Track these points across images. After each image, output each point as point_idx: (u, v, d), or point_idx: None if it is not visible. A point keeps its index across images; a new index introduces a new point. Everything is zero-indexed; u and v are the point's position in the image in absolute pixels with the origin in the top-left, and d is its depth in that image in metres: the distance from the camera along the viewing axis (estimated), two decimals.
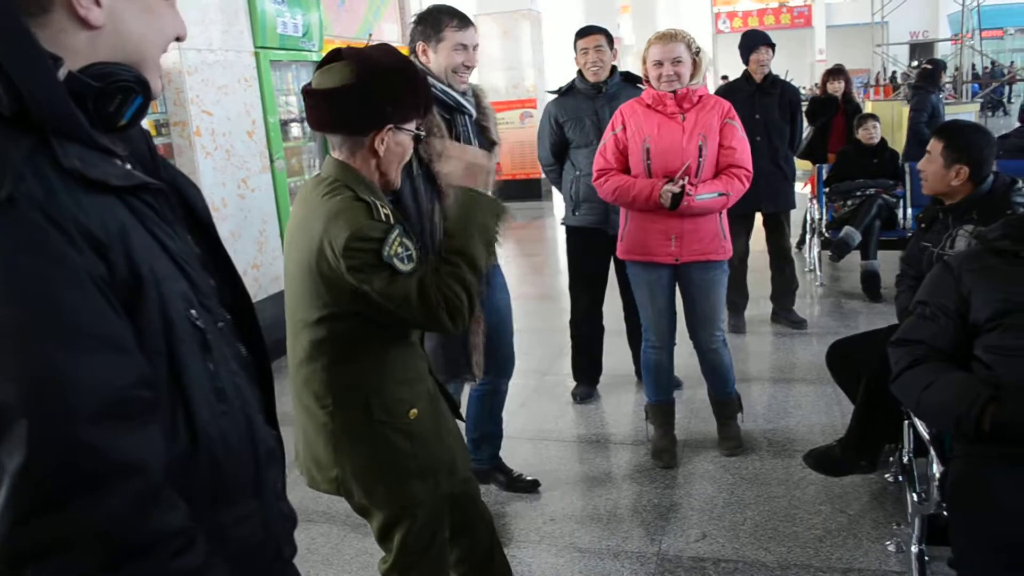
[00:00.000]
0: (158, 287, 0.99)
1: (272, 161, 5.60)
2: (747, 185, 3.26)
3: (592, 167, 3.40)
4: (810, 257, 6.42)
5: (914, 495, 2.46)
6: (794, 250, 6.94)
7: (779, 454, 3.49)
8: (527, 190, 11.59)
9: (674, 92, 3.18)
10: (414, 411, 1.78)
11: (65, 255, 0.89)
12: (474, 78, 2.82)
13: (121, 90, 1.00)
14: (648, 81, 3.26)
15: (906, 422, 2.63)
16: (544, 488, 3.32)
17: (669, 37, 3.21)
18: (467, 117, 2.75)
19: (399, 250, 1.62)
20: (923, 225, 3.10)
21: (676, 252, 3.24)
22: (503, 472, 3.32)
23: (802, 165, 7.35)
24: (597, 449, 3.72)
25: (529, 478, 3.33)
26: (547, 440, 3.83)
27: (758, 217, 5.14)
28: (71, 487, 0.88)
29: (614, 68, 3.94)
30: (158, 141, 5.15)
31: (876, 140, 5.97)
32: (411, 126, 1.74)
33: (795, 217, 7.47)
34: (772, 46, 4.91)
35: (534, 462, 3.54)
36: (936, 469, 2.22)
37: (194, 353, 1.05)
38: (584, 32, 3.96)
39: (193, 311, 1.06)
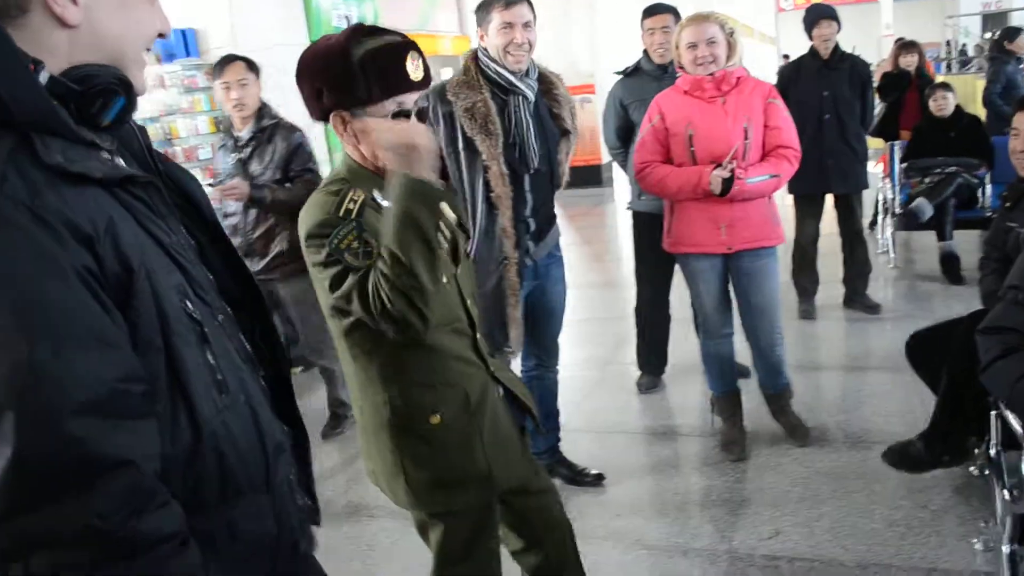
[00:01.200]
0: (150, 279, 0.98)
1: (331, 155, 5.61)
2: (796, 165, 3.16)
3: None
4: (883, 238, 6.17)
5: (1004, 492, 2.31)
6: (866, 231, 6.72)
7: (855, 446, 3.34)
8: (588, 176, 11.43)
9: (711, 75, 3.06)
10: (436, 417, 1.69)
11: (50, 251, 0.89)
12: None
13: (102, 93, 0.99)
14: (682, 67, 3.14)
15: (994, 413, 2.48)
16: (609, 482, 3.24)
17: (702, 18, 3.10)
18: (522, 99, 2.70)
19: (353, 244, 1.52)
20: (1007, 204, 2.92)
21: (727, 241, 3.12)
22: (565, 466, 3.24)
23: (874, 143, 7.09)
24: (663, 441, 3.62)
25: (594, 472, 3.25)
26: (611, 432, 3.75)
27: (828, 199, 4.95)
28: (59, 483, 0.88)
29: None
30: (217, 138, 5.20)
31: (948, 111, 5.68)
32: (375, 111, 1.58)
33: (867, 197, 7.24)
34: (836, 19, 4.70)
35: (598, 455, 3.45)
36: None
37: (192, 346, 1.03)
38: (651, 11, 3.84)
39: (189, 303, 1.05)
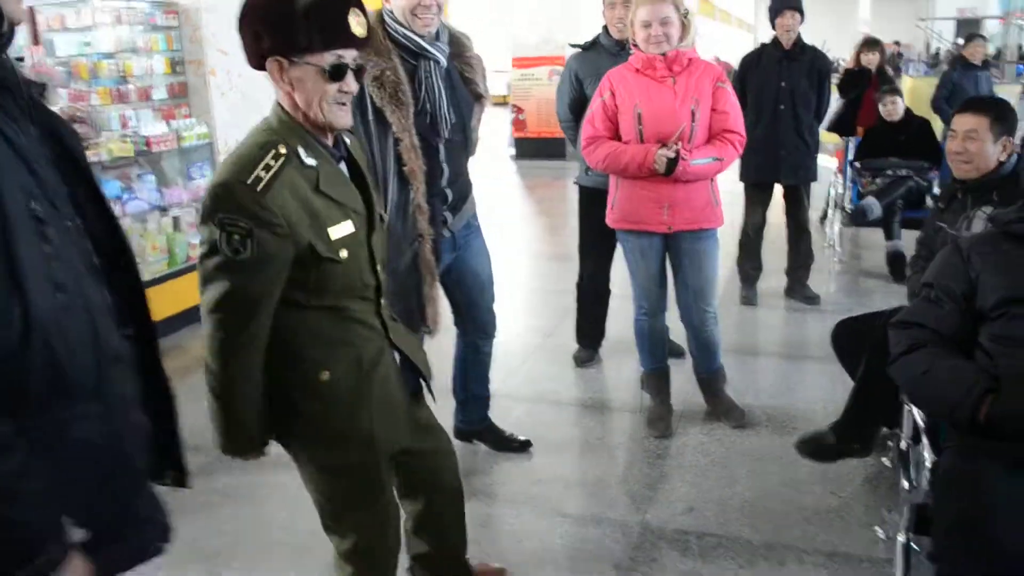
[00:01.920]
0: None
1: None
2: (740, 150, 3.20)
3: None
4: (831, 232, 6.27)
5: (904, 482, 2.40)
6: (815, 224, 6.82)
7: (777, 430, 3.42)
8: (553, 148, 11.42)
9: (663, 55, 3.08)
10: (325, 374, 1.71)
11: None
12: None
13: None
14: (636, 44, 3.16)
15: (906, 407, 2.56)
16: (535, 450, 3.29)
17: None
18: (433, 63, 2.59)
19: (235, 236, 1.52)
20: (940, 205, 2.99)
21: (668, 220, 3.16)
22: (493, 432, 3.28)
23: (829, 138, 7.17)
24: (593, 414, 3.67)
25: (521, 439, 3.30)
26: (543, 402, 3.79)
27: (778, 188, 5.02)
28: None
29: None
30: (172, 79, 5.11)
31: (898, 116, 5.78)
32: (313, 60, 1.59)
33: (819, 191, 7.33)
34: (800, 11, 4.71)
35: (527, 424, 3.49)
36: (928, 457, 2.15)
37: (32, 244, 1.06)
38: None
39: (34, 202, 1.08)
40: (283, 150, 1.59)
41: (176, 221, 5.00)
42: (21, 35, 4.91)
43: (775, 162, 4.76)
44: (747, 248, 5.11)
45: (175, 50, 5.08)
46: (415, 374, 1.94)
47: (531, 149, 11.85)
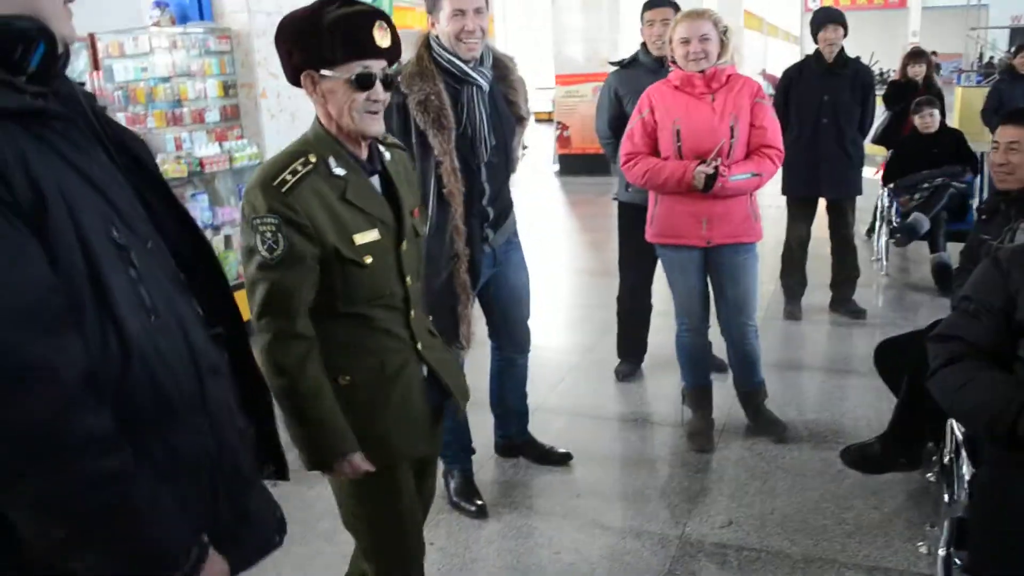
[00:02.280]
0: (68, 207, 1.04)
1: None
2: (778, 165, 3.21)
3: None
4: (878, 246, 6.21)
5: (945, 496, 2.38)
6: (863, 237, 6.75)
7: (819, 445, 3.41)
8: (597, 165, 11.45)
9: (702, 72, 3.11)
10: (346, 378, 1.79)
11: None
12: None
13: (20, 39, 1.04)
14: (675, 61, 3.20)
15: (949, 421, 2.54)
16: (575, 463, 3.32)
17: (696, 15, 3.15)
18: (476, 89, 2.65)
19: (267, 234, 1.64)
20: (983, 217, 2.97)
21: (707, 235, 3.19)
22: (533, 446, 3.33)
23: (878, 151, 7.10)
24: (633, 428, 3.69)
25: (561, 451, 3.34)
26: (584, 416, 3.82)
27: (821, 203, 4.99)
28: None
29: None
30: (225, 102, 5.28)
31: (933, 128, 5.73)
32: (339, 72, 1.67)
33: (866, 204, 7.24)
34: (843, 24, 4.69)
35: (568, 438, 3.53)
36: (967, 471, 2.14)
37: (118, 271, 1.09)
38: (652, 3, 3.87)
39: (115, 231, 1.10)
40: (312, 159, 1.69)
41: (228, 240, 5.16)
42: (82, 61, 5.14)
43: (817, 176, 4.73)
44: (791, 263, 5.08)
45: (228, 74, 5.24)
46: (440, 390, 1.97)
47: (575, 165, 11.90)
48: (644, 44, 3.88)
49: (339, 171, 1.72)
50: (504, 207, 2.89)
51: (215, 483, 1.20)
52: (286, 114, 5.34)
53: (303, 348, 1.70)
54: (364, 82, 1.68)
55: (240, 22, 5.20)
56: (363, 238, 1.73)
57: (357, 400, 1.80)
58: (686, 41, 3.12)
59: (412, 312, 1.87)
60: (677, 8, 3.81)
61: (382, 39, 1.68)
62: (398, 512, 1.94)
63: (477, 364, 3.10)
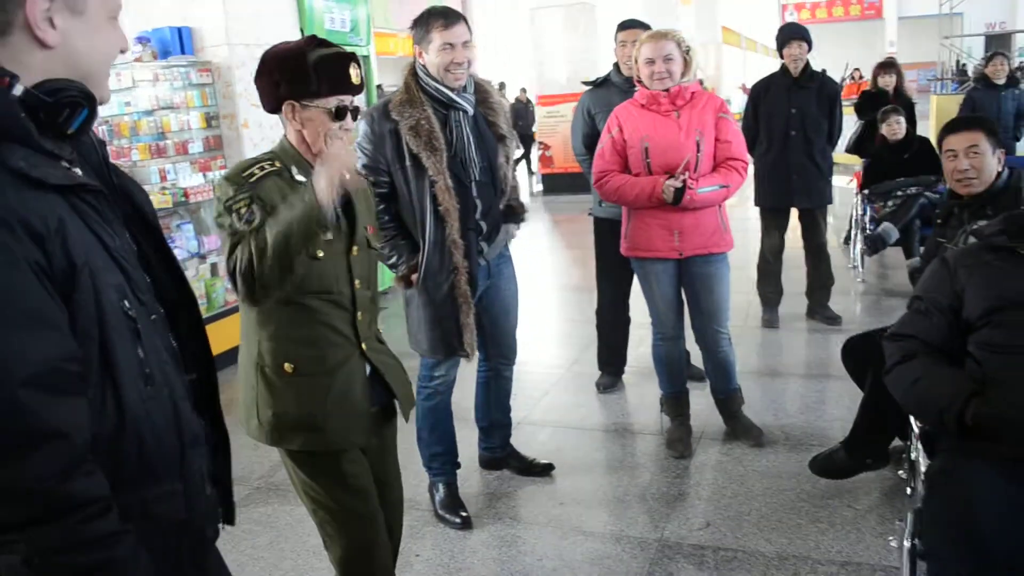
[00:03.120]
0: (92, 277, 1.12)
1: None
2: (744, 176, 3.32)
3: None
4: (854, 253, 6.33)
5: (908, 489, 2.47)
6: (840, 245, 6.87)
7: (795, 448, 3.50)
8: (580, 183, 11.57)
9: (667, 91, 3.23)
10: (290, 366, 1.97)
11: (4, 243, 1.02)
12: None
13: (70, 104, 1.13)
14: (640, 81, 3.31)
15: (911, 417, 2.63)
16: (557, 474, 3.40)
17: (660, 36, 3.27)
18: (462, 113, 2.82)
19: (242, 210, 1.84)
20: (939, 221, 3.08)
21: (679, 247, 3.29)
22: (516, 458, 3.41)
23: (848, 160, 7.24)
24: (614, 438, 3.78)
25: (543, 462, 3.42)
26: (567, 428, 3.91)
27: (793, 212, 5.11)
28: (4, 446, 1.01)
29: None
30: (207, 133, 5.37)
31: (900, 135, 5.88)
32: (321, 104, 1.91)
33: (843, 212, 7.37)
34: (807, 40, 4.84)
35: (551, 449, 3.62)
36: (924, 463, 2.23)
37: (125, 340, 1.17)
38: (625, 25, 4.01)
39: (127, 302, 1.18)
40: (277, 164, 1.95)
41: (214, 267, 5.24)
42: None
43: (788, 186, 4.87)
44: (766, 272, 5.20)
45: (210, 105, 5.34)
46: (386, 391, 2.14)
47: (558, 184, 12.05)
48: (616, 64, 4.00)
49: (300, 178, 1.93)
50: (495, 221, 3.02)
51: (181, 545, 1.28)
52: (267, 143, 5.40)
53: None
54: (341, 113, 1.95)
55: (220, 55, 5.31)
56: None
57: (297, 390, 1.98)
58: (651, 61, 3.24)
59: (359, 314, 2.04)
60: (648, 28, 3.93)
61: (355, 78, 1.96)
62: (347, 500, 2.07)
63: (463, 380, 3.19)
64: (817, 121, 4.84)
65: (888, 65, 6.80)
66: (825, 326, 5.08)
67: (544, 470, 3.39)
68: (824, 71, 5.06)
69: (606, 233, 4.02)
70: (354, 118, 1.99)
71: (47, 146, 1.12)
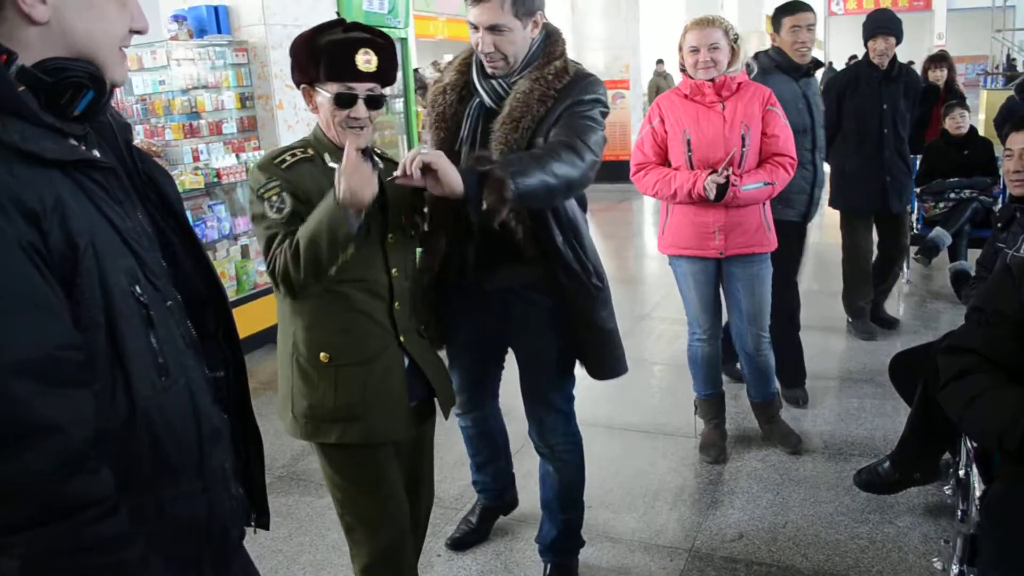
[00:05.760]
0: (97, 259, 1.04)
1: None
2: (791, 174, 3.16)
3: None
4: None
5: (959, 512, 2.34)
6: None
7: (834, 457, 3.36)
8: (615, 172, 11.43)
9: (712, 80, 3.09)
10: (325, 355, 1.91)
11: None
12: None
13: (71, 86, 1.06)
14: (684, 69, 3.18)
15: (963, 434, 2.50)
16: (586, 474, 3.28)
17: (706, 23, 3.12)
18: (477, 103, 2.26)
19: (273, 197, 1.82)
20: (999, 225, 2.92)
21: (720, 245, 3.16)
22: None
23: None
24: (645, 439, 3.67)
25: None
26: (598, 426, 3.79)
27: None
28: None
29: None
30: (242, 114, 5.32)
31: (965, 130, 5.63)
32: (326, 89, 1.84)
33: None
34: (894, 34, 4.45)
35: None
36: (979, 486, 2.10)
37: (136, 328, 1.08)
38: (792, 8, 3.73)
39: (137, 287, 1.09)
40: (309, 151, 1.91)
41: (245, 249, 5.20)
42: None
43: (883, 189, 4.50)
44: (858, 282, 4.77)
45: (244, 86, 5.29)
46: (425, 386, 2.06)
47: (598, 172, 11.87)
48: (779, 49, 3.73)
49: (333, 164, 1.86)
50: None
51: (201, 548, 1.19)
52: (302, 125, 5.37)
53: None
54: (342, 101, 1.85)
55: (257, 35, 5.24)
56: None
57: (333, 380, 1.92)
58: (695, 50, 3.11)
59: (396, 304, 1.96)
60: (812, 10, 3.68)
61: (365, 64, 1.84)
62: (376, 501, 2.01)
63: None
64: (905, 117, 4.55)
65: (939, 58, 6.54)
66: (880, 329, 4.86)
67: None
68: (911, 63, 4.78)
69: (784, 236, 3.60)
70: (374, 106, 1.88)
71: (48, 120, 1.04)
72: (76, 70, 1.06)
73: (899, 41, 4.51)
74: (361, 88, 1.85)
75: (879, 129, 4.49)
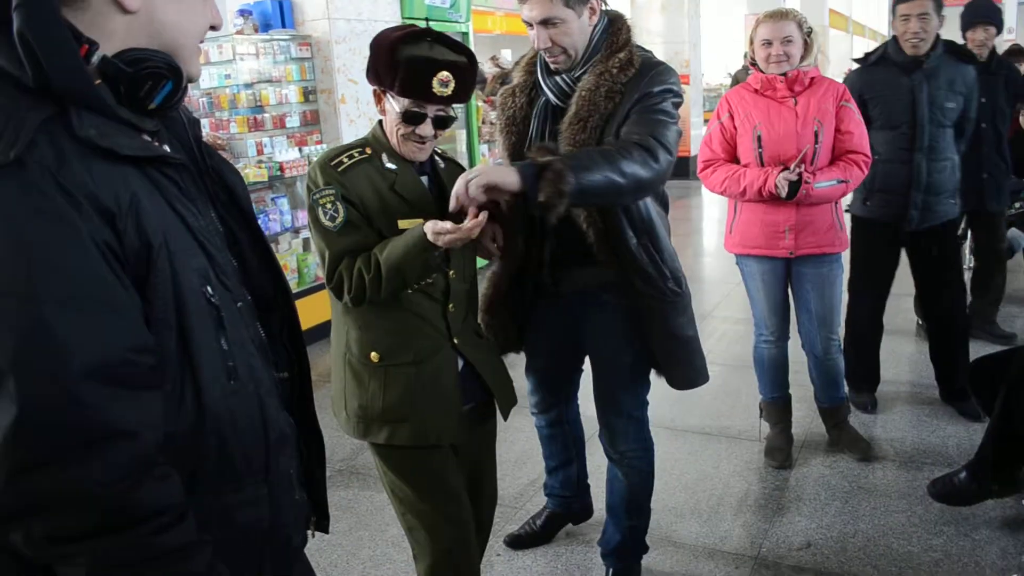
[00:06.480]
0: (170, 259, 1.01)
1: None
2: (866, 172, 3.05)
3: (890, 154, 3.29)
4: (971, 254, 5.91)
5: None
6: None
7: (905, 466, 3.25)
8: (676, 168, 11.29)
9: (784, 75, 3.00)
10: (375, 355, 1.90)
11: (70, 219, 0.91)
12: None
13: (151, 76, 1.03)
14: (755, 64, 3.09)
15: None
16: None
17: (779, 16, 3.03)
18: (544, 102, 2.20)
19: (328, 205, 1.81)
20: None
21: (790, 245, 3.07)
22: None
23: None
24: (709, 441, 3.60)
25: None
26: (661, 428, 3.69)
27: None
28: (60, 446, 0.90)
29: (938, 39, 3.44)
30: (305, 107, 5.37)
31: None
32: (397, 101, 1.82)
33: None
34: (994, 23, 4.24)
35: None
36: None
37: (207, 329, 1.06)
38: None
39: (209, 288, 1.07)
40: (368, 151, 1.89)
41: (306, 242, 5.25)
42: None
43: (981, 187, 4.27)
44: (984, 278, 4.60)
45: (308, 80, 5.33)
46: (483, 388, 2.04)
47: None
48: (895, 39, 3.54)
49: (391, 165, 1.87)
50: None
51: (263, 554, 1.17)
52: (364, 119, 5.41)
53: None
54: (410, 118, 1.83)
55: (320, 29, 5.28)
56: (407, 224, 1.84)
57: (383, 380, 1.91)
58: (768, 43, 3.03)
59: (451, 305, 1.94)
60: (938, 1, 3.46)
61: (441, 88, 1.80)
62: (435, 502, 1.99)
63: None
64: (1004, 113, 4.34)
65: (1015, 53, 6.29)
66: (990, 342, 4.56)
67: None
68: (1008, 58, 4.55)
69: (867, 234, 3.62)
70: (441, 127, 1.86)
71: (124, 114, 1.02)
72: (157, 60, 1.04)
73: (999, 31, 4.32)
74: (432, 108, 1.83)
75: (977, 123, 4.08)
